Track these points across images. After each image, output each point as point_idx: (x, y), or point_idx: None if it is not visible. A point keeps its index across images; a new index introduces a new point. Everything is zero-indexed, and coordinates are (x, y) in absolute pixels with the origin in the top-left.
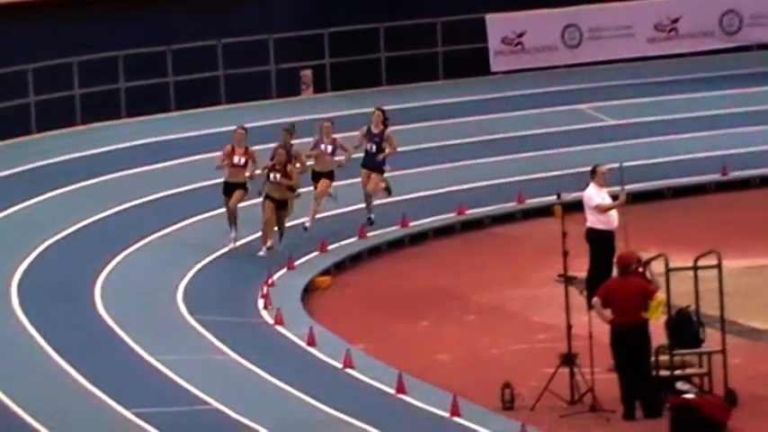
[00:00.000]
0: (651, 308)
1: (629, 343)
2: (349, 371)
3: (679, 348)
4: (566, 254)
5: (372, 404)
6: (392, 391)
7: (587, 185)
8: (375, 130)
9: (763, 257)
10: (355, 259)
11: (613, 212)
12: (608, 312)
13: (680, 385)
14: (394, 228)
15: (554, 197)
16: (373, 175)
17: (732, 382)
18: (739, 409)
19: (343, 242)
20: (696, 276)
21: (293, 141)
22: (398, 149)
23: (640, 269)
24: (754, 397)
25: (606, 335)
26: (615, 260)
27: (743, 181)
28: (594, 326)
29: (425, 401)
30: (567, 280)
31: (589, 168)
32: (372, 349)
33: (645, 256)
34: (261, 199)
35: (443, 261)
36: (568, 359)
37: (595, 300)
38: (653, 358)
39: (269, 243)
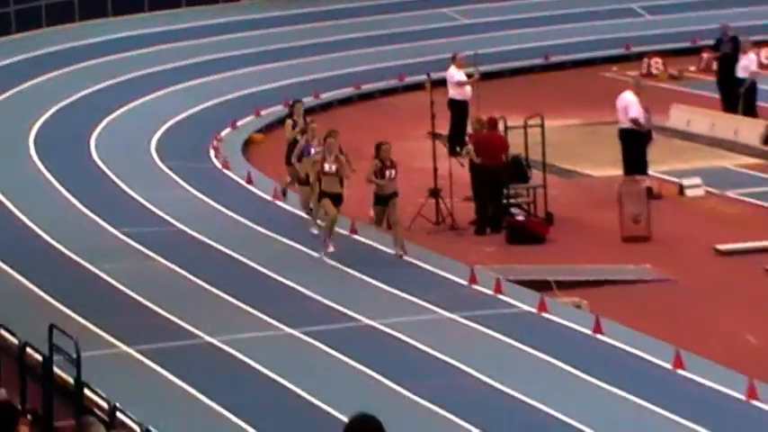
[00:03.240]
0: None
1: (492, 179)
2: (278, 202)
3: (513, 184)
4: (433, 117)
5: (293, 225)
6: (307, 216)
7: (449, 67)
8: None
9: (573, 119)
10: (281, 121)
11: (468, 87)
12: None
13: (514, 210)
14: (309, 98)
15: (425, 76)
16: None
17: (550, 208)
18: (555, 227)
19: (271, 108)
20: (526, 132)
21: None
22: None
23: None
24: (566, 218)
25: (462, 175)
26: (485, 120)
27: (559, 64)
28: (453, 168)
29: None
30: (435, 136)
31: (450, 55)
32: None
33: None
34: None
35: (345, 123)
36: (434, 192)
37: (470, 147)
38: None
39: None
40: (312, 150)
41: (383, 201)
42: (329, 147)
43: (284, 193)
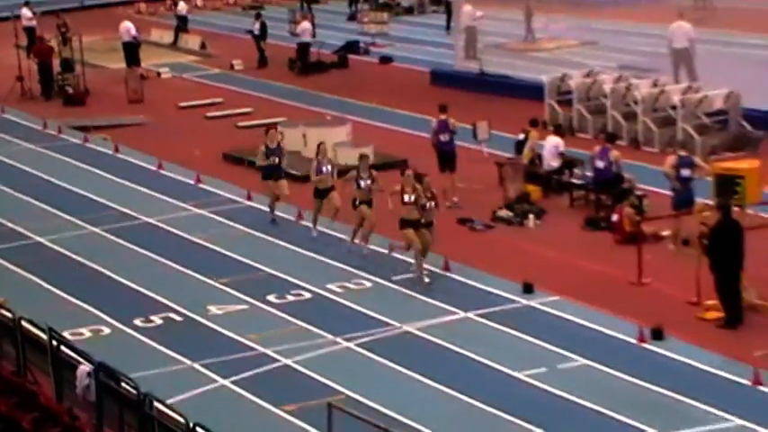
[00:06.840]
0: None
1: (47, 69)
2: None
3: (66, 73)
4: (17, 36)
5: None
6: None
7: (22, 8)
8: (272, 146)
9: (97, 36)
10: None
11: (35, 21)
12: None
13: (67, 87)
14: None
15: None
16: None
17: (88, 86)
18: (90, 96)
19: None
20: (63, 37)
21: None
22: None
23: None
24: (96, 92)
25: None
26: (42, 38)
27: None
28: (31, 66)
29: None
30: (18, 47)
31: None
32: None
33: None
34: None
35: None
36: (20, 78)
37: (34, 58)
38: None
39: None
40: (324, 168)
41: (424, 226)
42: (407, 179)
43: (272, 210)
